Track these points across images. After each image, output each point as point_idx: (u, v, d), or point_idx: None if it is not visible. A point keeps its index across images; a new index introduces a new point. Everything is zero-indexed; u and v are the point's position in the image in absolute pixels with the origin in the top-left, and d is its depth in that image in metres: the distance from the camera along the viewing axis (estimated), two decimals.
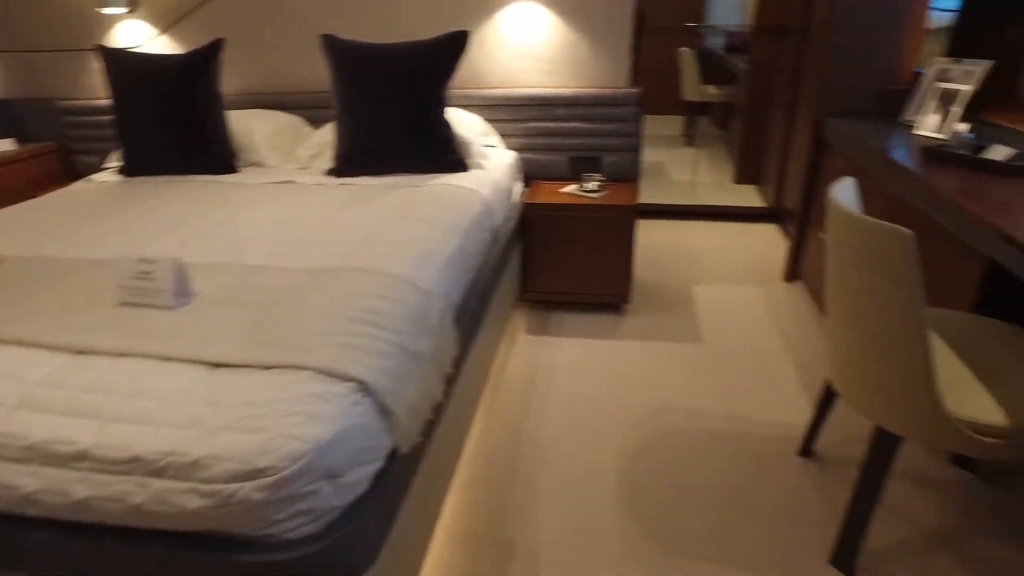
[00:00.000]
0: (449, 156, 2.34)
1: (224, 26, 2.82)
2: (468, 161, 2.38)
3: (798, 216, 2.84)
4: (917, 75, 2.44)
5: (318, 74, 2.82)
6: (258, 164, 2.58)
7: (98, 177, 2.55)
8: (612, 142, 2.70)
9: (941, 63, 2.27)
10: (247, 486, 0.96)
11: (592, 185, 2.55)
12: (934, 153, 1.88)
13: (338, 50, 2.32)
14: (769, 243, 3.37)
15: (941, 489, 1.69)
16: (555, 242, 2.52)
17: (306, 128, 2.77)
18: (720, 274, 3.00)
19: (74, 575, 1.06)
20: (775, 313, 2.62)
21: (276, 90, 2.90)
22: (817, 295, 2.63)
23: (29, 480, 1.02)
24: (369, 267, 1.55)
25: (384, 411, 1.18)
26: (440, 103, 2.31)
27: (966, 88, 2.15)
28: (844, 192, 1.36)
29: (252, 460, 0.97)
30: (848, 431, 1.90)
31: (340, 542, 1.04)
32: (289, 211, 2.01)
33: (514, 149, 2.76)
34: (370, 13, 2.71)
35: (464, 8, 2.66)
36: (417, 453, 1.35)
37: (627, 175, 2.73)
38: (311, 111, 2.84)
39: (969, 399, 1.26)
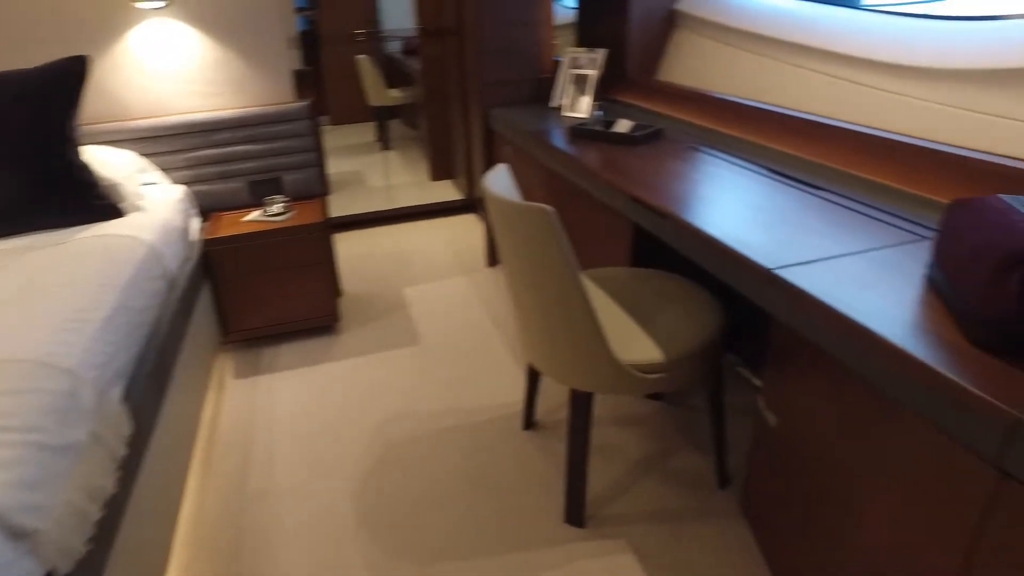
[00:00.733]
0: (94, 203, 1.97)
1: None
2: (122, 205, 2.03)
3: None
4: (558, 63, 2.73)
5: None
6: None
7: None
8: (291, 160, 2.55)
9: (572, 52, 2.57)
10: None
11: (276, 208, 2.38)
12: (576, 131, 2.11)
13: None
14: (469, 233, 3.53)
15: (639, 423, 1.92)
16: (248, 275, 2.30)
17: None
18: (428, 272, 3.05)
19: None
20: (483, 299, 2.74)
21: None
22: None
23: None
24: None
25: (17, 534, 0.93)
26: (68, 143, 1.92)
27: (593, 73, 2.46)
28: (498, 179, 1.43)
29: None
30: (560, 396, 2.06)
31: None
32: None
33: (182, 183, 2.44)
34: None
35: (71, 29, 2.25)
36: (94, 563, 1.11)
37: (313, 191, 2.61)
38: None
39: (635, 344, 1.43)
